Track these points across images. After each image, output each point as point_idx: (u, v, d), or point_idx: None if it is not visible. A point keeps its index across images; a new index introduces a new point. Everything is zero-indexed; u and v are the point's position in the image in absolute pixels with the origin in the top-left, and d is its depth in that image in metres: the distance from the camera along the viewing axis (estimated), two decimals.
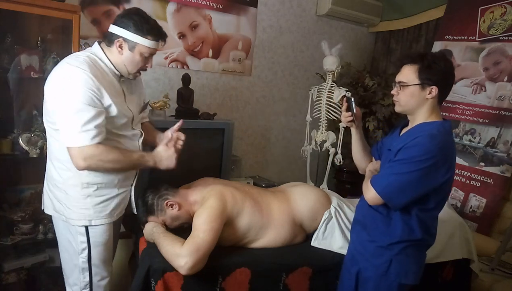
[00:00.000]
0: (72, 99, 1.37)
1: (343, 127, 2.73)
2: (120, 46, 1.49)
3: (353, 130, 1.63)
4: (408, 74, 1.41)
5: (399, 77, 1.44)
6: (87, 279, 1.55)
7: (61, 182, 1.51)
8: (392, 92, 1.48)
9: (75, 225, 1.51)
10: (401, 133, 1.51)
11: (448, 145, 1.38)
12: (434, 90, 1.38)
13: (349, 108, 1.57)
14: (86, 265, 1.54)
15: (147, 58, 1.54)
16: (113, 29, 1.49)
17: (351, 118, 1.57)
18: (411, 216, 1.41)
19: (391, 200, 1.39)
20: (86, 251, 1.53)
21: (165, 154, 1.60)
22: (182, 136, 1.69)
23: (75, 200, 1.50)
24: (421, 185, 1.35)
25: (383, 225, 1.46)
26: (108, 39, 1.51)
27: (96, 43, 1.54)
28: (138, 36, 1.46)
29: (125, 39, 1.47)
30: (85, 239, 1.52)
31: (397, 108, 1.48)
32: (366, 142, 1.68)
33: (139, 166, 1.60)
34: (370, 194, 1.42)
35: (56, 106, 1.41)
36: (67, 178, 1.50)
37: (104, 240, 1.57)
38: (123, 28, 1.46)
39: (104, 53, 1.51)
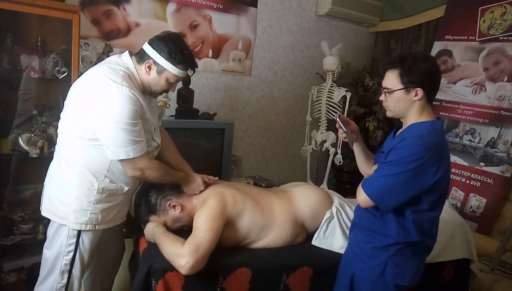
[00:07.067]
0: (120, 117, 1.40)
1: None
2: (149, 67, 1.51)
3: (354, 145, 1.64)
4: (391, 79, 1.42)
5: (384, 83, 1.45)
6: (65, 281, 1.55)
7: (76, 186, 1.49)
8: (380, 98, 1.50)
9: (76, 229, 1.51)
10: (395, 135, 1.51)
11: (438, 145, 1.37)
12: (419, 92, 1.38)
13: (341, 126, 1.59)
14: (68, 268, 1.54)
15: (172, 83, 1.58)
16: (147, 48, 1.51)
17: (344, 135, 1.59)
18: (406, 218, 1.40)
19: (381, 202, 1.39)
20: (72, 254, 1.53)
21: (199, 181, 1.74)
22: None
23: (85, 205, 1.50)
24: (410, 186, 1.34)
25: (378, 227, 1.46)
26: (140, 56, 1.54)
27: (127, 54, 1.55)
28: (169, 63, 1.49)
29: (155, 62, 1.50)
30: (74, 241, 1.52)
31: (388, 114, 1.50)
32: (369, 152, 1.68)
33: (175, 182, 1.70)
34: (361, 196, 1.42)
35: (101, 122, 1.42)
36: (83, 182, 1.49)
37: (93, 246, 1.58)
38: (156, 51, 1.49)
39: (135, 67, 1.53)
